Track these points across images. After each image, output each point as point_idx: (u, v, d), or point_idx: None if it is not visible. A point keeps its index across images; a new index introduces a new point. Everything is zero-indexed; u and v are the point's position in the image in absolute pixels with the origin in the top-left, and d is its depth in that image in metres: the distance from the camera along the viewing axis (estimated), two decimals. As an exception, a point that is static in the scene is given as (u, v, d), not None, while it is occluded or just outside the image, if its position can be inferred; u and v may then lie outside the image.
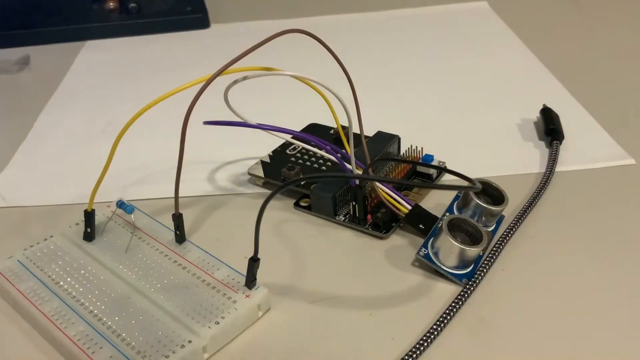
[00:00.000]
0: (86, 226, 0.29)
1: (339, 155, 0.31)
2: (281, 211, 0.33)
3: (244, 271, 0.26)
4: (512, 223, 0.30)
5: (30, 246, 0.29)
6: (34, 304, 0.26)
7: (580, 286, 0.27)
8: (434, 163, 0.34)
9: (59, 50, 0.56)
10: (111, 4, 0.60)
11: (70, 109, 0.46)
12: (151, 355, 0.23)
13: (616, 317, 0.25)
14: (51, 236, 0.30)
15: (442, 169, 0.33)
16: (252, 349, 0.25)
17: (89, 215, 0.29)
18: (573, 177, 0.35)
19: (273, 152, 0.37)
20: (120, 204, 0.31)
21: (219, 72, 0.25)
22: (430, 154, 0.35)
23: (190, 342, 0.24)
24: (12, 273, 0.28)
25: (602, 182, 0.34)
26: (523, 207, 0.31)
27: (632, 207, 0.32)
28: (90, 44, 0.58)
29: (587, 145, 0.37)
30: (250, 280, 0.26)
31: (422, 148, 0.35)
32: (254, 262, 0.26)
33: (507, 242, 0.29)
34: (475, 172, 0.35)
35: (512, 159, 0.37)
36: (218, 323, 0.25)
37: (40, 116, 0.45)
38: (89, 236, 0.29)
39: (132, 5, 0.60)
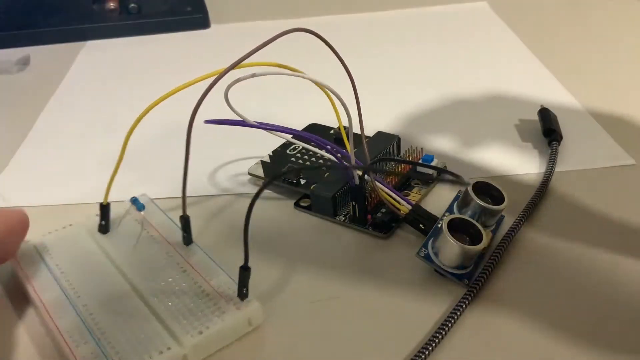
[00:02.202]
0: (101, 219, 0.30)
1: (339, 155, 0.31)
2: (281, 211, 0.33)
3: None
4: (512, 223, 0.30)
5: (49, 232, 0.30)
6: (36, 291, 0.26)
7: (581, 286, 0.27)
8: (434, 163, 0.34)
9: (59, 50, 0.56)
10: (111, 4, 0.60)
11: (70, 108, 0.46)
12: (127, 357, 0.23)
13: (617, 317, 0.26)
14: (70, 225, 0.31)
15: (441, 169, 0.33)
16: (252, 348, 0.25)
17: (105, 209, 0.30)
18: (573, 178, 0.35)
19: (273, 152, 0.36)
20: (134, 201, 0.32)
21: (231, 67, 0.25)
22: (430, 154, 0.35)
23: (169, 348, 0.23)
24: (24, 257, 0.28)
25: (602, 183, 0.34)
26: (523, 207, 0.31)
27: (632, 207, 0.32)
28: (90, 44, 0.58)
29: (587, 146, 0.37)
30: (242, 292, 0.25)
31: (422, 148, 0.35)
32: (244, 271, 0.24)
33: (507, 242, 0.29)
34: (476, 173, 0.35)
35: (512, 159, 0.37)
36: (201, 333, 0.24)
37: (40, 116, 0.45)
38: (104, 228, 0.30)
39: (132, 5, 0.60)
